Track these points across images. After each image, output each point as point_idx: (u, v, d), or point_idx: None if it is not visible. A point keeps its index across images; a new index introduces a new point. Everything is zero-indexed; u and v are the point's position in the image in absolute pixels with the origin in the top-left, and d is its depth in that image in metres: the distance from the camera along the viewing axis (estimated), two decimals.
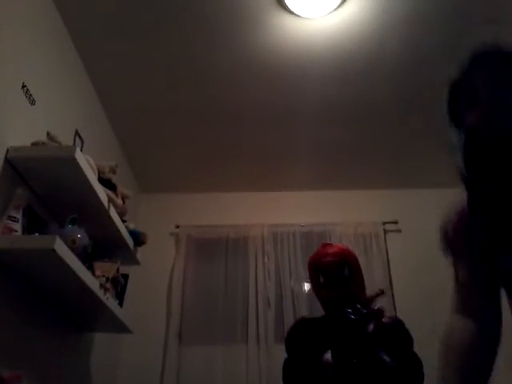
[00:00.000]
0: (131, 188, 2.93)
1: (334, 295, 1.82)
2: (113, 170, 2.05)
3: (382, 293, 1.87)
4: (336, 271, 1.82)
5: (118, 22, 2.14)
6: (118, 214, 2.08)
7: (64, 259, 1.51)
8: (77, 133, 2.26)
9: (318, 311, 1.98)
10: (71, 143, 2.17)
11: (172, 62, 2.38)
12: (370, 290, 2.97)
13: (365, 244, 3.20)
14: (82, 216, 1.77)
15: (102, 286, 1.85)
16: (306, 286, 3.06)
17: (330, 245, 1.96)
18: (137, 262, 2.42)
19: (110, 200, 1.96)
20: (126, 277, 2.26)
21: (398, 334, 1.73)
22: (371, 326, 1.69)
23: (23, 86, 1.77)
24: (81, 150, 1.78)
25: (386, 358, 1.60)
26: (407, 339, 1.74)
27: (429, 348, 3.06)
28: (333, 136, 2.93)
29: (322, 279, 1.85)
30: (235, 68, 2.41)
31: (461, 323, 1.14)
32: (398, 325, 1.78)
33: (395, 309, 2.99)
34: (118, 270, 2.07)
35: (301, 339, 1.83)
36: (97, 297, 1.81)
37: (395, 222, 3.30)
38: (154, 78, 2.48)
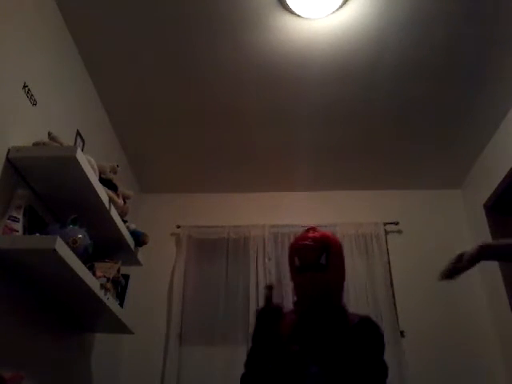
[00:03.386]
0: (132, 188, 2.94)
1: (305, 281, 1.67)
2: (114, 170, 2.05)
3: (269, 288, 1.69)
4: (311, 257, 1.67)
5: (119, 22, 2.14)
6: (119, 214, 2.09)
7: (65, 259, 1.51)
8: (78, 133, 2.26)
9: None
10: (72, 143, 2.17)
11: (174, 63, 2.38)
12: (370, 294, 3.01)
13: (366, 245, 3.20)
14: (82, 216, 1.77)
15: (102, 286, 1.85)
16: None
17: (313, 229, 1.79)
18: (138, 263, 2.42)
19: (110, 200, 1.96)
20: (126, 277, 2.26)
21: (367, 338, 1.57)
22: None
23: (24, 87, 1.77)
24: (82, 151, 1.78)
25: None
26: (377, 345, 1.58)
27: (429, 348, 3.05)
28: (334, 137, 2.93)
29: (297, 262, 1.70)
30: (237, 68, 2.41)
31: None
32: (368, 328, 1.60)
33: (396, 309, 2.99)
34: (118, 270, 2.08)
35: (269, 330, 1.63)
36: (98, 297, 1.81)
37: (396, 223, 3.30)
38: (155, 79, 2.48)
